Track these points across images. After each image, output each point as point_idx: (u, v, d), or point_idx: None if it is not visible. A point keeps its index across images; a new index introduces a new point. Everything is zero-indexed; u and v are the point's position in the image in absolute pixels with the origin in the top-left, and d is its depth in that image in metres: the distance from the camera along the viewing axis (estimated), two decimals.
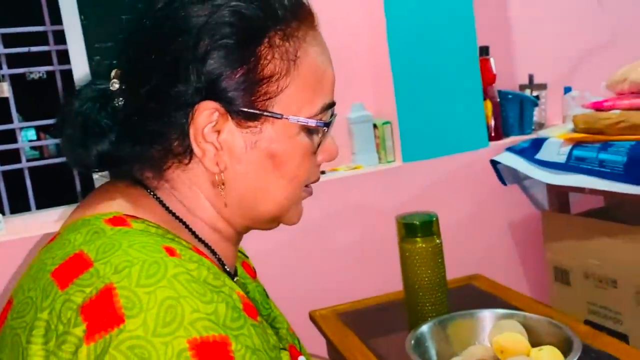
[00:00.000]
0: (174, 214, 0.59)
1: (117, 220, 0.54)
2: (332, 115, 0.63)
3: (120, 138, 0.60)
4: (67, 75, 1.68)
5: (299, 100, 0.59)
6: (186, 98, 0.56)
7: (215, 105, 0.56)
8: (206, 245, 0.60)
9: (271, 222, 0.64)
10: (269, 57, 0.57)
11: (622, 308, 1.55)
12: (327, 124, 0.61)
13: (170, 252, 0.50)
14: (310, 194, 0.66)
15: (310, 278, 1.71)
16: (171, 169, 0.59)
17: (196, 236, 0.60)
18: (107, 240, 0.51)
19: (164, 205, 0.59)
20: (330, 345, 1.27)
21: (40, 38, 1.71)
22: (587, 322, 1.63)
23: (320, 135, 0.62)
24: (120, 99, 0.59)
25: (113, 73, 0.60)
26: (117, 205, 0.57)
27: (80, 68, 1.63)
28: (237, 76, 0.56)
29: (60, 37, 1.66)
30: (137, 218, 0.56)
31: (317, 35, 0.62)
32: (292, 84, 0.58)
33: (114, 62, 0.62)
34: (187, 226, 0.59)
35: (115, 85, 0.60)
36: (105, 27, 1.64)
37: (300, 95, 0.59)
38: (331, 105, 0.62)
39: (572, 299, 1.72)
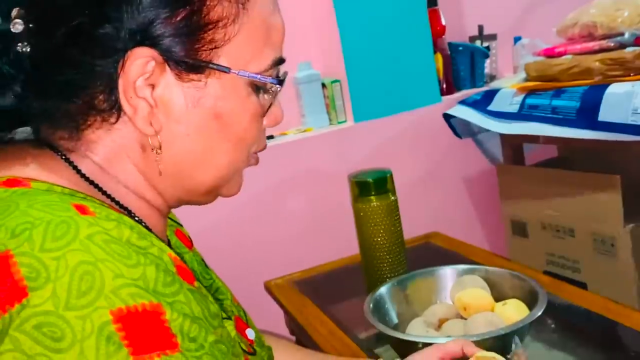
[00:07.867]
0: (87, 178, 0.49)
1: (12, 182, 0.45)
2: (283, 73, 0.55)
3: (27, 90, 0.49)
4: None
5: (247, 52, 0.50)
6: (116, 42, 0.46)
7: (151, 53, 0.46)
8: (128, 210, 0.51)
9: (207, 194, 0.56)
10: None
11: (580, 256, 1.55)
12: (281, 82, 0.54)
13: (82, 210, 0.42)
14: (257, 161, 0.58)
15: (263, 247, 1.65)
16: (91, 128, 0.49)
17: (115, 202, 0.50)
18: (0, 203, 0.42)
19: (75, 168, 0.49)
20: (288, 315, 1.23)
21: None
22: (546, 273, 1.63)
23: (270, 95, 0.54)
24: (26, 43, 0.48)
25: (15, 12, 0.48)
26: (13, 169, 0.47)
27: None
28: (178, 19, 0.47)
29: None
30: (38, 180, 0.46)
31: None
32: (241, 32, 0.49)
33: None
34: (103, 192, 0.50)
35: (18, 27, 0.48)
36: None
37: (249, 47, 0.50)
38: (281, 61, 0.54)
39: (530, 251, 1.71)
